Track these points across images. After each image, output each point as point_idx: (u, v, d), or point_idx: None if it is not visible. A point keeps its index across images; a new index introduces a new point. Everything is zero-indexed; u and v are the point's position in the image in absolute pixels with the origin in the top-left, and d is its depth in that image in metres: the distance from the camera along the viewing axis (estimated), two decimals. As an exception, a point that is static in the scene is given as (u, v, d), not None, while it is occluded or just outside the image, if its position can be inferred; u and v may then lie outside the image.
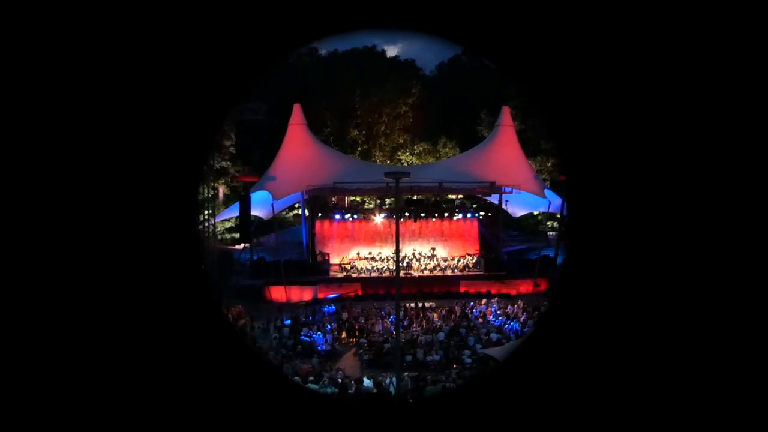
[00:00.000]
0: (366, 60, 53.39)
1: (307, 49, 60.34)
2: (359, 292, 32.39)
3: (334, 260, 35.11)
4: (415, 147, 50.92)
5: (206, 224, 17.13)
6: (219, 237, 32.27)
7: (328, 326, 25.42)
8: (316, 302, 31.18)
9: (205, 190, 17.10)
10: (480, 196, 38.12)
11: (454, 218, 38.21)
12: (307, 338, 23.57)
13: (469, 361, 21.06)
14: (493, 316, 26.82)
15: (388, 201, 41.17)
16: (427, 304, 29.32)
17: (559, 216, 36.19)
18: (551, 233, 41.87)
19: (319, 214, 37.49)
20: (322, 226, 37.23)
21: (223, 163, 42.22)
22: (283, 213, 42.21)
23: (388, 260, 34.58)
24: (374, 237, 36.83)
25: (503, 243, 37.55)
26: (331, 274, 34.14)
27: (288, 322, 25.72)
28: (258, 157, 42.15)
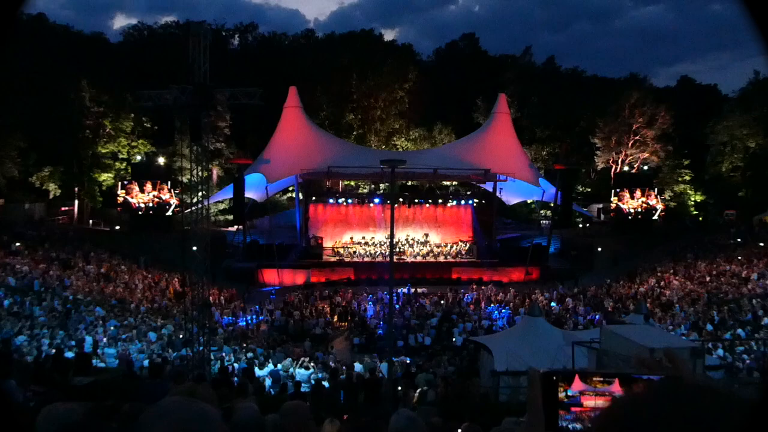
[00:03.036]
0: (363, 44, 52.96)
1: (304, 31, 59.86)
2: (352, 277, 32.45)
3: (327, 244, 35.11)
4: (411, 132, 50.69)
5: (199, 205, 17.04)
6: (212, 219, 32.17)
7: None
8: (308, 286, 31.21)
9: (199, 171, 17.00)
10: (474, 183, 38.10)
11: (448, 205, 38.25)
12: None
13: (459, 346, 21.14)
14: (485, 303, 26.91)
15: (382, 186, 41.08)
16: (419, 290, 29.42)
17: (552, 205, 36.23)
18: (544, 222, 41.94)
19: (313, 198, 37.44)
20: (315, 210, 37.20)
21: (218, 145, 42.01)
22: (277, 196, 42.08)
23: (381, 245, 34.58)
24: (368, 222, 36.81)
25: (496, 230, 37.62)
26: (324, 258, 34.17)
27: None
28: (253, 139, 41.91)
